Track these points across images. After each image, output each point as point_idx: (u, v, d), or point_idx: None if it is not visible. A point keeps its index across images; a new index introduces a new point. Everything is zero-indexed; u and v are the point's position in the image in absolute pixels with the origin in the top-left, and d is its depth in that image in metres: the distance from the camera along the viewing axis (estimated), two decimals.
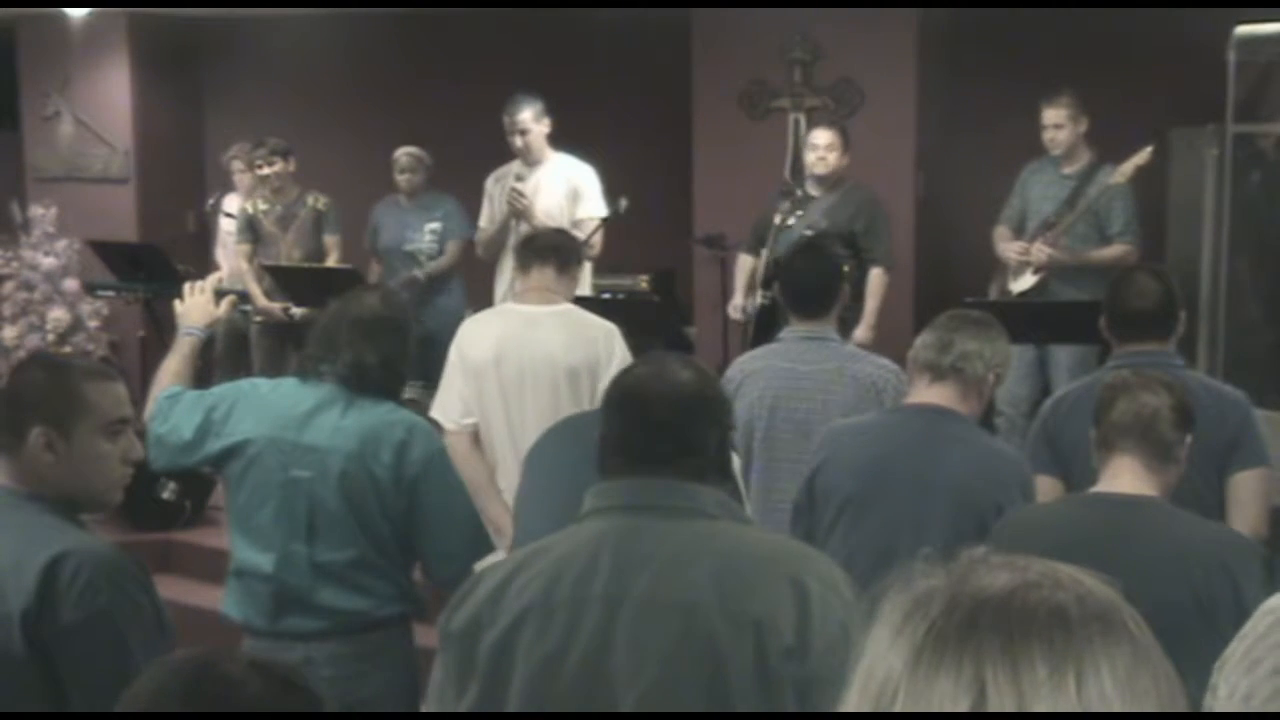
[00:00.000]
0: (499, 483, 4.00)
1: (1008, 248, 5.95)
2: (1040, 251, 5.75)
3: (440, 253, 6.90)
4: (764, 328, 5.57)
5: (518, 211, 5.85)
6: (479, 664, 1.99)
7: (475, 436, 4.05)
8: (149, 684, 1.34)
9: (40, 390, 2.39)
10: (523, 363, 3.99)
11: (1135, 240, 5.80)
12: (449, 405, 4.09)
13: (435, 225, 6.90)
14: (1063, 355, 5.77)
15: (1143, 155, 5.57)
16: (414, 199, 7.00)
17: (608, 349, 3.97)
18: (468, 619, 2.03)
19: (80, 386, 2.40)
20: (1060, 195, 5.88)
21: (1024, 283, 5.87)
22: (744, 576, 1.96)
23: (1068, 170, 5.92)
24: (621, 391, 2.14)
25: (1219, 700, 1.90)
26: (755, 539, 2.13)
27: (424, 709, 2.12)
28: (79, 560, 2.27)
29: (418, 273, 6.77)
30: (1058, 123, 5.86)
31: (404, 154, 7.00)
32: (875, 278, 5.78)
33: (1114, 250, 5.75)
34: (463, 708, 2.01)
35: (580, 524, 2.08)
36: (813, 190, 5.92)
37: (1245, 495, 3.29)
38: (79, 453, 2.39)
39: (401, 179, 6.98)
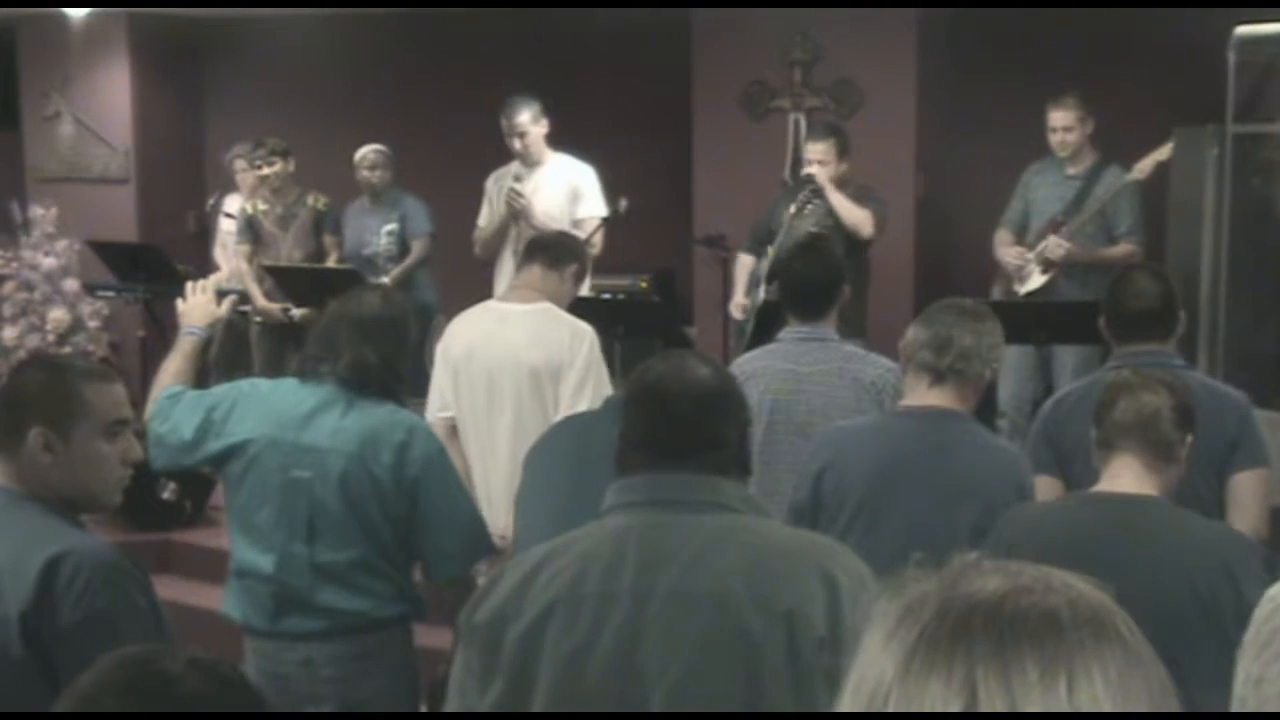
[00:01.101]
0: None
1: (1006, 252, 5.94)
2: (1058, 246, 5.71)
3: (399, 254, 6.87)
4: (765, 323, 5.57)
5: (516, 212, 5.86)
6: (504, 657, 2.00)
7: (452, 430, 4.08)
8: (89, 680, 1.33)
9: (39, 391, 2.40)
10: (489, 360, 4.02)
11: (1141, 241, 5.80)
12: (430, 398, 4.16)
13: (392, 226, 6.87)
14: (1067, 356, 5.77)
15: (1163, 151, 5.54)
16: (376, 200, 6.99)
17: (573, 351, 3.96)
18: (492, 612, 2.03)
19: (79, 387, 2.40)
20: (1066, 196, 5.88)
21: (1033, 283, 5.87)
22: (773, 569, 1.97)
23: (1073, 171, 5.91)
24: (642, 388, 2.15)
25: (1236, 684, 1.95)
26: (780, 532, 2.15)
27: (445, 705, 2.12)
28: (78, 561, 2.27)
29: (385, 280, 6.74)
30: (1068, 125, 5.84)
31: (371, 150, 7.00)
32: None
33: (1121, 249, 5.75)
34: (487, 701, 2.01)
35: (603, 519, 2.09)
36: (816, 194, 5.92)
37: (1245, 496, 3.29)
38: (78, 454, 2.39)
39: (373, 175, 6.96)
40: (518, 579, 2.04)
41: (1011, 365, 5.91)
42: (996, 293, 5.97)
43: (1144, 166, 5.59)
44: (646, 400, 2.13)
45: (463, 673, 2.05)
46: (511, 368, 3.99)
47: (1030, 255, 5.88)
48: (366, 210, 7.02)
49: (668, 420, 2.08)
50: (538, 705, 1.98)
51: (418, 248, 6.89)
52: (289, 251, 6.88)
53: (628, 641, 1.95)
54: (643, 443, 2.09)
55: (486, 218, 6.17)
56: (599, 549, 2.02)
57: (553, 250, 4.21)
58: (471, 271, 6.48)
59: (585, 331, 4.03)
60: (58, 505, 2.39)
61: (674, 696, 1.91)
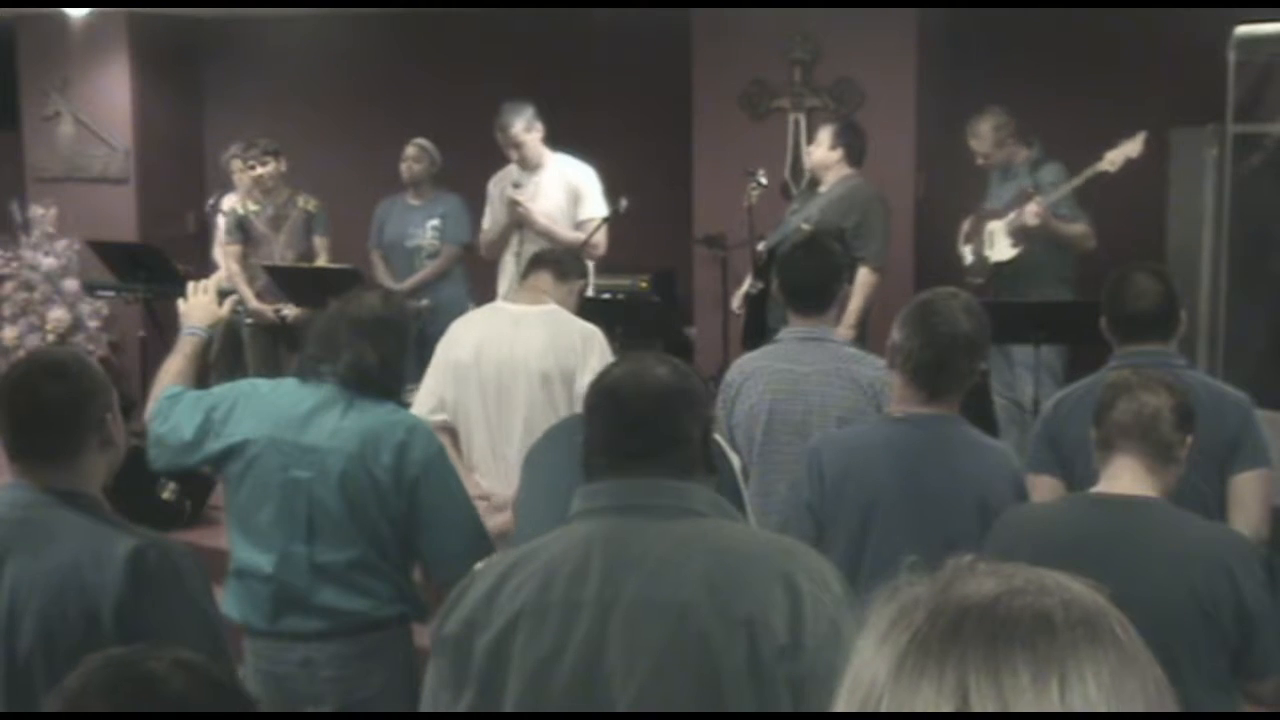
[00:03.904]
0: (479, 482, 3.99)
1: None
2: (1033, 215, 5.71)
3: (439, 251, 6.92)
4: (754, 317, 5.59)
5: (518, 219, 5.88)
6: (474, 667, 1.99)
7: (443, 431, 4.06)
8: (74, 681, 1.33)
9: (97, 384, 2.48)
10: (500, 362, 4.03)
11: (1089, 224, 5.82)
12: (421, 399, 4.13)
13: (436, 222, 6.94)
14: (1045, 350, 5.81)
15: (1134, 144, 5.38)
16: (420, 195, 7.02)
17: (584, 353, 3.98)
18: (461, 622, 2.03)
19: (103, 371, 2.54)
20: (1008, 195, 5.96)
21: (1001, 252, 5.89)
22: (735, 575, 1.96)
23: (1011, 175, 6.04)
24: (601, 392, 2.15)
25: None
26: (745, 537, 2.13)
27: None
28: (159, 551, 2.37)
29: (424, 302, 6.73)
30: (984, 153, 6.05)
31: (410, 144, 7.08)
32: (861, 276, 5.73)
33: (1079, 227, 5.81)
34: (459, 710, 2.01)
35: (569, 526, 2.08)
36: (822, 186, 5.94)
37: (1246, 496, 3.28)
38: (120, 429, 2.52)
39: (402, 167, 7.03)
40: (485, 588, 2.04)
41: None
42: (968, 253, 6.02)
43: (1114, 159, 5.44)
44: (606, 404, 2.12)
45: (435, 683, 2.05)
46: (523, 370, 4.00)
47: (995, 224, 5.93)
48: (410, 205, 7.05)
49: (627, 422, 2.08)
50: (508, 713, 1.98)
51: (448, 252, 6.89)
52: (281, 251, 6.88)
53: (593, 651, 1.94)
54: (605, 447, 2.09)
55: (489, 220, 6.20)
56: (564, 557, 2.01)
57: (563, 264, 4.27)
58: (486, 271, 6.50)
59: (595, 334, 4.05)
60: (95, 501, 2.45)
61: (637, 704, 1.91)
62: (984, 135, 6.01)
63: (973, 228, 6.09)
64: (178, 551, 2.43)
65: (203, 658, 1.40)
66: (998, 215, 5.95)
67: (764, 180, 6.07)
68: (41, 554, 2.34)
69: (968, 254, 6.05)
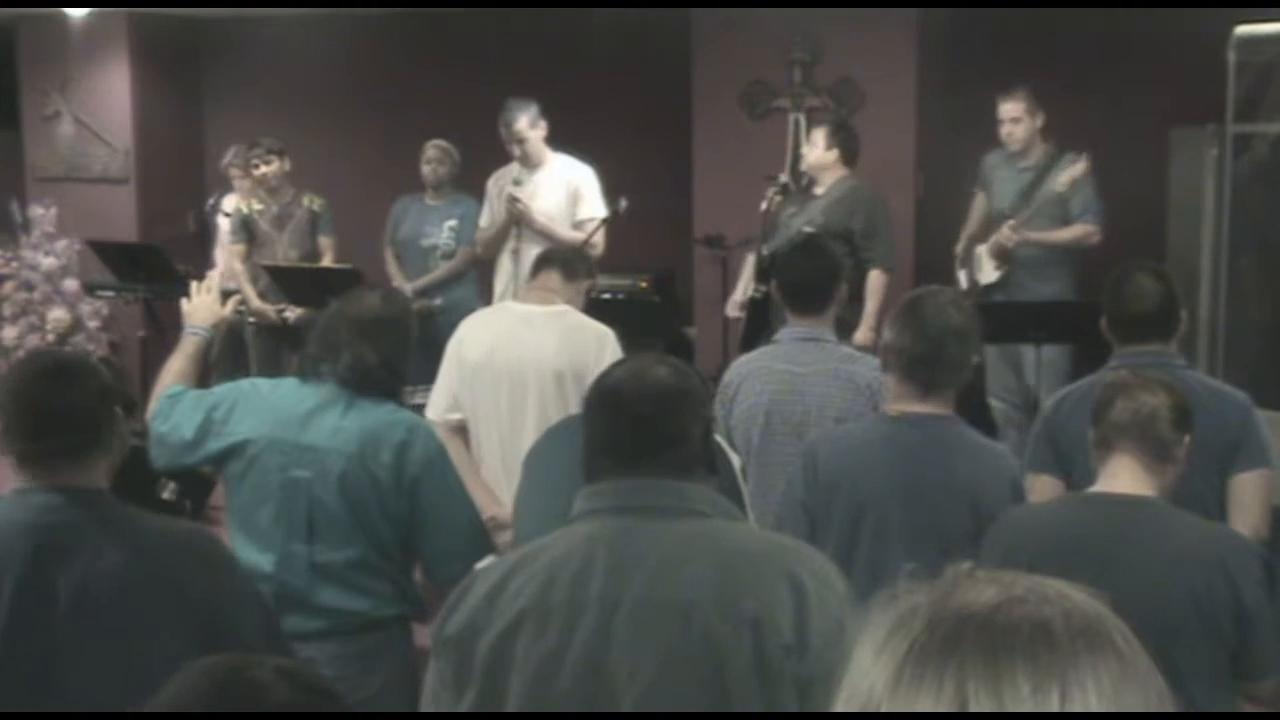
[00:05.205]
0: (486, 483, 3.99)
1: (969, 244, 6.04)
2: (1008, 238, 5.74)
3: (455, 252, 6.88)
4: (756, 320, 5.59)
5: (516, 216, 5.88)
6: (476, 667, 1.99)
7: (459, 431, 4.06)
8: (177, 686, 1.34)
9: (107, 377, 2.53)
10: (512, 362, 4.02)
11: (1098, 221, 5.80)
12: (435, 399, 4.13)
13: (453, 223, 6.87)
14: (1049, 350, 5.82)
15: (1077, 168, 5.61)
16: (438, 195, 6.97)
17: (598, 354, 3.97)
18: (463, 623, 2.03)
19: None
20: (1016, 190, 5.95)
21: (988, 275, 5.91)
22: (740, 575, 1.96)
23: (1023, 164, 5.98)
24: (601, 393, 2.15)
25: None
26: (749, 536, 2.14)
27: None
28: (212, 539, 2.53)
29: (437, 301, 6.70)
30: (1015, 116, 5.96)
31: (431, 146, 7.02)
32: (874, 278, 5.74)
33: (1076, 230, 5.78)
34: (461, 710, 2.01)
35: (571, 526, 2.08)
36: (818, 188, 5.93)
37: (1246, 497, 3.28)
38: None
39: (426, 169, 6.97)
40: (487, 589, 2.03)
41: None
42: (963, 279, 6.03)
43: (1063, 182, 5.66)
44: (606, 404, 2.13)
45: (436, 685, 2.05)
46: (535, 369, 3.99)
47: (981, 248, 5.95)
48: (427, 205, 6.99)
49: (627, 422, 2.08)
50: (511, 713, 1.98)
51: (462, 254, 6.81)
52: (285, 251, 6.88)
53: (596, 651, 1.95)
54: (605, 447, 2.09)
55: (488, 218, 6.21)
56: (567, 558, 2.01)
57: (572, 263, 4.26)
58: (483, 271, 6.50)
59: (608, 334, 4.05)
60: (115, 500, 2.48)
61: (642, 704, 1.91)
62: (1020, 99, 5.94)
63: (965, 251, 6.10)
64: (221, 541, 2.59)
65: (297, 663, 1.43)
66: (982, 240, 5.98)
67: (784, 181, 6.06)
68: (103, 551, 2.33)
69: (963, 279, 6.06)
